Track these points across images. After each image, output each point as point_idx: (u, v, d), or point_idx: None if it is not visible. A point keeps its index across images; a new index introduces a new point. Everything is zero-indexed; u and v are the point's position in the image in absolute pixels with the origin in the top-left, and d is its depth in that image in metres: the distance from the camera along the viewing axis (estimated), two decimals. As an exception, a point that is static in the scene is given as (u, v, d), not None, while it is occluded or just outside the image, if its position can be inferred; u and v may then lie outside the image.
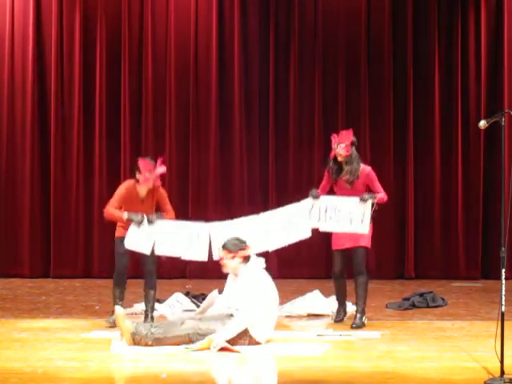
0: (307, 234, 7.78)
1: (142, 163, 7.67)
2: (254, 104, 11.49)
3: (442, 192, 11.46)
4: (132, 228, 7.55)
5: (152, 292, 7.86)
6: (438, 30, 11.41)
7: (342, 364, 6.14)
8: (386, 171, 11.36)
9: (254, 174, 11.45)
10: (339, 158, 7.78)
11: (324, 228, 7.75)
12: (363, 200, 7.64)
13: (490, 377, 5.57)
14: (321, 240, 10.66)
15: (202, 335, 6.61)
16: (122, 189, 7.75)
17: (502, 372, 5.46)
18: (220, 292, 7.18)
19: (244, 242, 6.98)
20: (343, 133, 7.84)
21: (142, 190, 7.72)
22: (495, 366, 5.64)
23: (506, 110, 5.93)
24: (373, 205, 7.67)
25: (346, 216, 7.65)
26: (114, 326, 7.37)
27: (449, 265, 11.38)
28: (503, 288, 5.58)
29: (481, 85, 11.39)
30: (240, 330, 6.62)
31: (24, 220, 11.32)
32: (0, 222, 11.35)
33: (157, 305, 8.60)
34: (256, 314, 6.69)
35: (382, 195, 7.77)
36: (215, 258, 7.53)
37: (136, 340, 6.64)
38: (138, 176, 7.67)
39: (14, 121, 11.40)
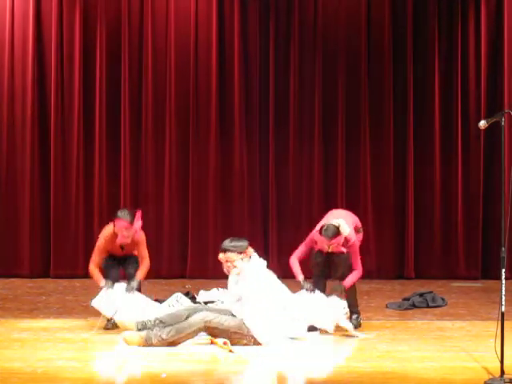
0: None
1: (117, 225, 7.61)
2: (254, 104, 11.47)
3: (442, 192, 11.46)
4: (104, 292, 7.52)
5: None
6: (437, 30, 11.40)
7: (342, 364, 6.14)
8: (385, 171, 11.38)
9: (253, 174, 11.45)
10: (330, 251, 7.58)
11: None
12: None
13: (490, 377, 5.58)
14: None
15: (214, 328, 6.64)
16: (101, 241, 7.75)
17: (502, 372, 5.47)
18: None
19: (244, 239, 7.02)
20: (333, 240, 7.41)
21: (120, 239, 7.71)
22: (495, 366, 5.65)
23: (506, 110, 5.93)
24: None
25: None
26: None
27: (449, 265, 11.37)
28: (503, 288, 5.58)
29: (481, 85, 11.39)
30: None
31: (24, 220, 11.31)
32: (0, 221, 11.35)
33: (157, 305, 8.59)
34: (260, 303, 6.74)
35: (352, 277, 7.55)
36: None
37: (149, 345, 6.65)
38: (115, 230, 7.65)
39: (14, 121, 11.38)
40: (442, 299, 9.03)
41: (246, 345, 6.63)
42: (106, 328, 7.46)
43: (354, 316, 7.67)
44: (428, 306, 8.80)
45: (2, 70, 11.35)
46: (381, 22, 11.43)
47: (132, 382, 5.88)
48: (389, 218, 11.39)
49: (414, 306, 8.79)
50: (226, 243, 6.97)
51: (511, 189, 5.66)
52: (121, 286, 7.60)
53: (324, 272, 7.72)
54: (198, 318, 6.71)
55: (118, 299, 7.47)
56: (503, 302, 5.58)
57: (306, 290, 7.46)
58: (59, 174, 11.37)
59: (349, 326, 7.22)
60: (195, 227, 11.36)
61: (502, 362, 5.50)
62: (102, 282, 7.61)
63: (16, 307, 8.80)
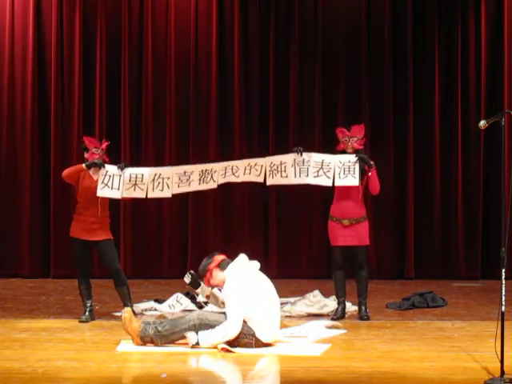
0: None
1: (87, 140, 7.99)
2: (255, 103, 11.48)
3: (442, 192, 11.46)
4: (100, 176, 7.73)
5: (124, 288, 8.00)
6: (438, 31, 11.40)
7: (341, 364, 6.14)
8: (385, 171, 11.35)
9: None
10: (349, 151, 7.92)
11: (311, 182, 7.94)
12: (362, 159, 7.90)
13: (490, 377, 5.57)
14: (321, 240, 10.75)
15: (209, 325, 6.61)
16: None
17: (502, 372, 5.46)
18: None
19: (209, 258, 6.94)
20: (356, 127, 8.01)
21: (96, 175, 7.87)
22: (495, 366, 5.64)
23: (506, 110, 5.93)
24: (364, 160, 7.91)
25: (336, 170, 7.85)
26: (85, 321, 7.76)
27: (449, 265, 11.38)
28: (503, 288, 5.58)
29: (481, 85, 11.39)
30: (221, 339, 6.55)
31: (24, 220, 11.32)
32: (0, 221, 11.35)
33: (157, 305, 8.61)
34: (238, 321, 6.59)
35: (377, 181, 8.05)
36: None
37: (145, 341, 6.64)
38: (86, 156, 7.94)
39: (14, 121, 11.39)
40: (442, 299, 9.03)
41: (247, 344, 6.59)
42: (81, 321, 7.76)
43: (363, 308, 7.96)
44: (428, 306, 8.80)
45: (2, 69, 11.36)
46: (381, 22, 11.43)
47: (132, 382, 5.88)
48: (389, 217, 11.39)
49: (413, 306, 8.78)
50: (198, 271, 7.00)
51: (511, 189, 5.66)
52: (111, 167, 7.77)
53: (344, 269, 8.04)
54: (193, 315, 6.71)
55: (117, 179, 7.72)
56: (503, 302, 5.58)
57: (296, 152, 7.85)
58: (59, 174, 11.31)
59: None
60: (195, 227, 11.36)
61: (502, 361, 5.50)
62: (83, 165, 7.81)
63: (16, 307, 8.80)
